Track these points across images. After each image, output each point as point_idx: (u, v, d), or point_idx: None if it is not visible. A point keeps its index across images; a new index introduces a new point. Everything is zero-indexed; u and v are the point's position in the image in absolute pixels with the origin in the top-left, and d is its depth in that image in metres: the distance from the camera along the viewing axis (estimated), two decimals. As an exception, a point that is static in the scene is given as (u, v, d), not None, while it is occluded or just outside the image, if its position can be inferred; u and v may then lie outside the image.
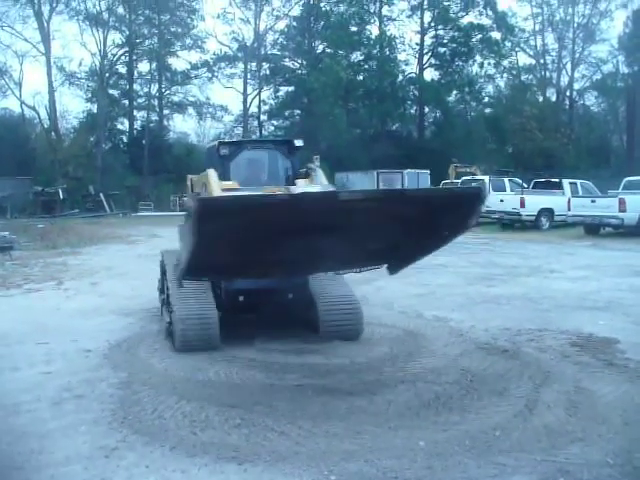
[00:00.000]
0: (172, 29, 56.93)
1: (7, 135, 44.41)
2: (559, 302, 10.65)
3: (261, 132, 58.55)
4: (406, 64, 59.13)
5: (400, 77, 58.39)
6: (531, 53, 58.79)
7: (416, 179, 45.36)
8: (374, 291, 11.65)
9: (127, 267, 16.41)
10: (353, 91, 56.33)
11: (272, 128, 61.45)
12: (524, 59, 58.90)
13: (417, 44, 58.80)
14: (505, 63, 57.69)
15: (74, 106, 65.80)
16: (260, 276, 7.34)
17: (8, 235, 21.16)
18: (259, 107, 60.23)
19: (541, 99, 55.31)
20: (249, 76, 58.83)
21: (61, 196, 40.13)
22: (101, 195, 43.47)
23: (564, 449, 4.89)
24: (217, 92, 78.26)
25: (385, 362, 7.29)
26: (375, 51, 56.95)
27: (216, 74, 58.00)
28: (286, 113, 60.99)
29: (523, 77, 58.34)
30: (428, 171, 46.45)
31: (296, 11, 59.42)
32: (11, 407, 6.08)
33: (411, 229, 5.82)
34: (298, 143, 9.23)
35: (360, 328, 8.35)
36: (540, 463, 4.64)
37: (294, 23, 59.56)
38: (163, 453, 4.98)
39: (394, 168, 47.80)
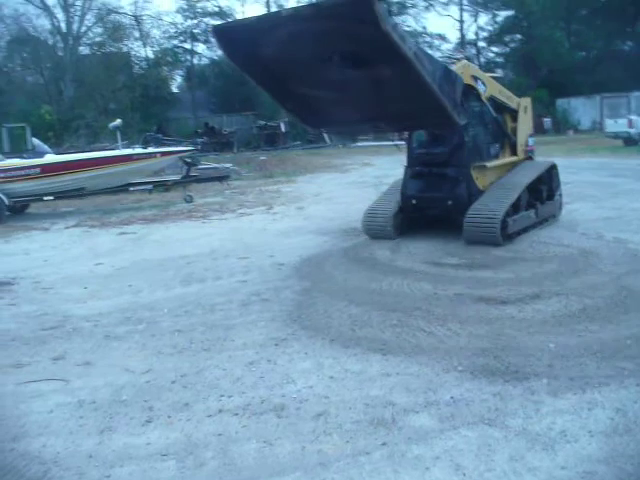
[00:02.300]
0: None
1: (233, 73, 46.92)
2: None
3: (479, 60, 57.25)
4: (638, -25, 54.71)
5: (631, -8, 54.34)
6: None
7: (644, 102, 42.64)
8: (564, 213, 11.68)
9: (334, 193, 17.39)
10: (576, 11, 53.31)
11: (491, 55, 59.88)
12: None
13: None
14: None
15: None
16: (355, 122, 8.63)
17: (230, 166, 23.05)
18: (476, 34, 58.79)
19: None
20: (465, 2, 57.44)
21: (283, 129, 41.87)
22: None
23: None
24: (433, 21, 77.29)
25: (548, 277, 7.56)
26: (602, -35, 53.27)
27: (432, 2, 57.16)
28: (506, 39, 58.87)
29: None
30: (659, 93, 43.38)
31: None
32: (208, 307, 7.17)
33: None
34: None
35: (497, 238, 9.12)
36: (660, 371, 4.85)
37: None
38: (323, 344, 5.77)
39: (620, 91, 45.12)
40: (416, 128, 9.57)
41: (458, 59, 10.54)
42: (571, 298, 6.67)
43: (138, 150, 16.59)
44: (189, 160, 17.50)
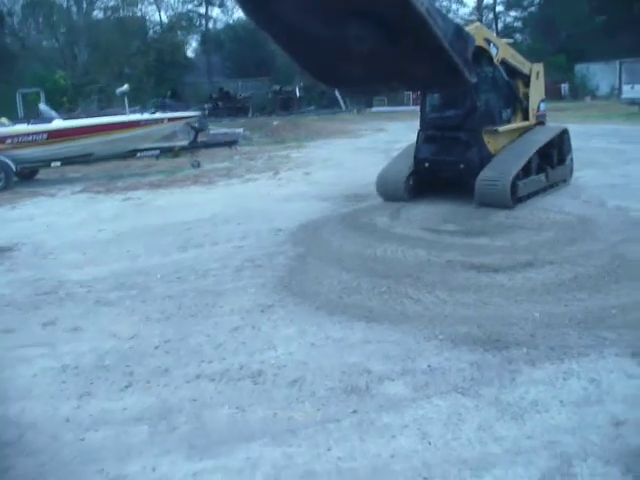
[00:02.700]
0: None
1: (248, 38, 46.58)
2: None
3: (496, 24, 56.24)
4: None
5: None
6: None
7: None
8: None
9: (343, 159, 17.28)
10: (597, -27, 52.16)
11: (509, 19, 58.83)
12: None
13: None
14: None
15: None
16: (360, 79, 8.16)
17: (241, 131, 22.96)
18: (494, -2, 57.58)
19: None
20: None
21: (297, 94, 41.60)
22: (337, 92, 44.55)
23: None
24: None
25: (544, 245, 7.50)
26: None
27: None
28: (525, 2, 57.66)
29: None
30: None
31: None
32: (201, 272, 7.20)
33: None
34: None
35: (507, 201, 9.34)
36: (641, 340, 4.81)
37: None
38: (309, 311, 5.78)
39: (640, 57, 44.25)
40: (428, 87, 9.67)
41: (471, 21, 10.59)
42: (564, 266, 6.62)
43: (145, 116, 16.55)
44: (196, 125, 17.47)
